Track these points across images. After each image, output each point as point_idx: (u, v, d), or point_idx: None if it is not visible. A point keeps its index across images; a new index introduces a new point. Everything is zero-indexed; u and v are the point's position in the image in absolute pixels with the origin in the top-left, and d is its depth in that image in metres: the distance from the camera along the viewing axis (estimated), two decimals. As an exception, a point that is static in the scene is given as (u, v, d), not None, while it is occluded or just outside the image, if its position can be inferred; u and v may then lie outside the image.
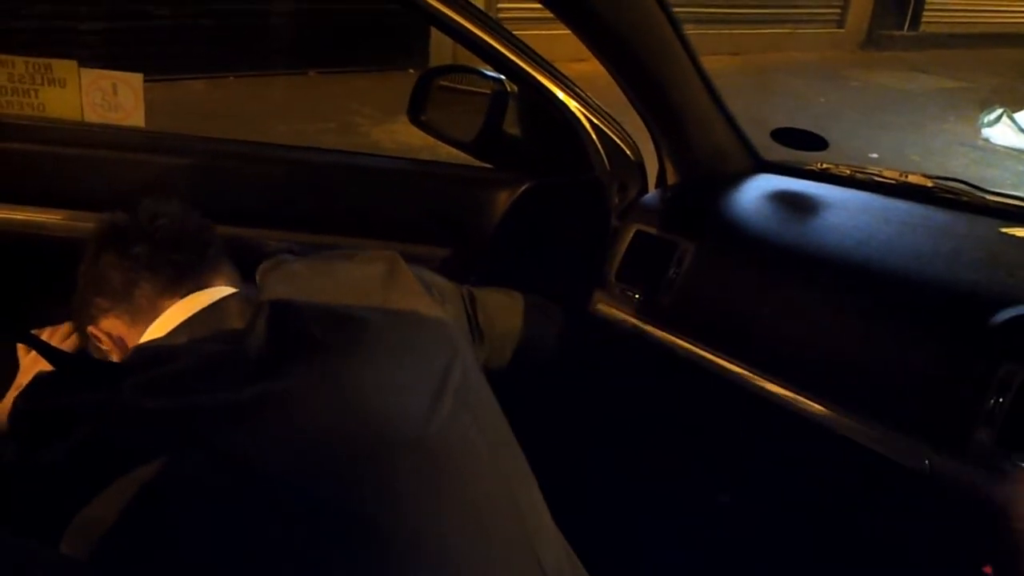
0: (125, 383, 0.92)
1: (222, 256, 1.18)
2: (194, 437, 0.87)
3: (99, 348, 1.14)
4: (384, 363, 1.01)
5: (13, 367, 1.27)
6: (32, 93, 1.57)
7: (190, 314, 1.05)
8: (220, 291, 1.10)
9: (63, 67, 1.55)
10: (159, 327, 1.06)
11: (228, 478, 0.85)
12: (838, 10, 11.88)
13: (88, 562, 0.80)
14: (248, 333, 0.99)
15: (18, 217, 1.61)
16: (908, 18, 12.52)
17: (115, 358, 1.12)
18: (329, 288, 1.10)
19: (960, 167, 6.14)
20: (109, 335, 1.11)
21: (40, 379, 1.05)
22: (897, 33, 12.34)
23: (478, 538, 0.93)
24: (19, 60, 1.54)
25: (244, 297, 1.08)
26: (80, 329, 1.18)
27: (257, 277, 1.13)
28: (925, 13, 12.64)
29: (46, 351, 1.14)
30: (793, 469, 1.35)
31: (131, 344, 1.09)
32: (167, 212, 1.16)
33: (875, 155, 6.19)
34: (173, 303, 1.08)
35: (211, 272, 1.14)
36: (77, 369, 1.09)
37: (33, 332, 1.28)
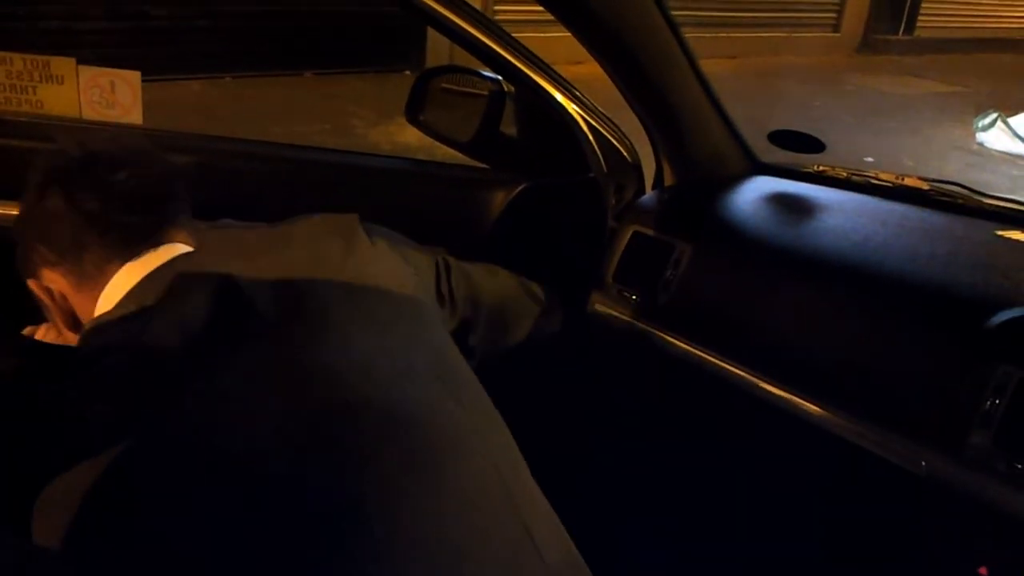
0: (78, 377, 0.92)
1: (182, 209, 1.10)
2: (149, 426, 0.86)
3: (43, 305, 1.07)
4: (346, 340, 0.97)
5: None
6: (30, 90, 1.56)
7: (140, 278, 0.99)
8: (172, 250, 1.03)
9: (61, 64, 1.55)
10: (110, 295, 1.00)
11: (186, 467, 0.84)
12: (834, 14, 11.91)
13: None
14: (189, 306, 0.95)
15: (16, 213, 1.60)
16: (903, 23, 12.56)
17: (57, 320, 1.07)
18: (282, 260, 1.04)
19: (956, 171, 6.15)
20: (50, 291, 1.04)
21: None
22: (892, 37, 12.37)
23: (473, 532, 0.91)
24: (17, 57, 1.54)
25: (196, 260, 1.02)
26: (22, 278, 1.08)
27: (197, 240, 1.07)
28: (920, 18, 12.68)
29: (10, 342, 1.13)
30: (789, 470, 1.35)
31: (75, 306, 1.04)
32: (128, 162, 1.06)
33: (871, 159, 6.21)
34: (123, 266, 1.01)
35: (168, 228, 1.06)
36: (36, 359, 1.07)
37: (30, 328, 1.28)
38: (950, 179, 1.57)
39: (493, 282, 1.44)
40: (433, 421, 0.96)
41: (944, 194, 1.53)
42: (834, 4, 11.85)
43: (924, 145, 7.13)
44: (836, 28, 12.02)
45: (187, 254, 1.04)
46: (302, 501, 0.84)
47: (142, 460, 0.83)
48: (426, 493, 0.89)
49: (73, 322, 1.06)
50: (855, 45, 12.12)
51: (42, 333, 1.27)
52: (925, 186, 1.56)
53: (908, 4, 12.46)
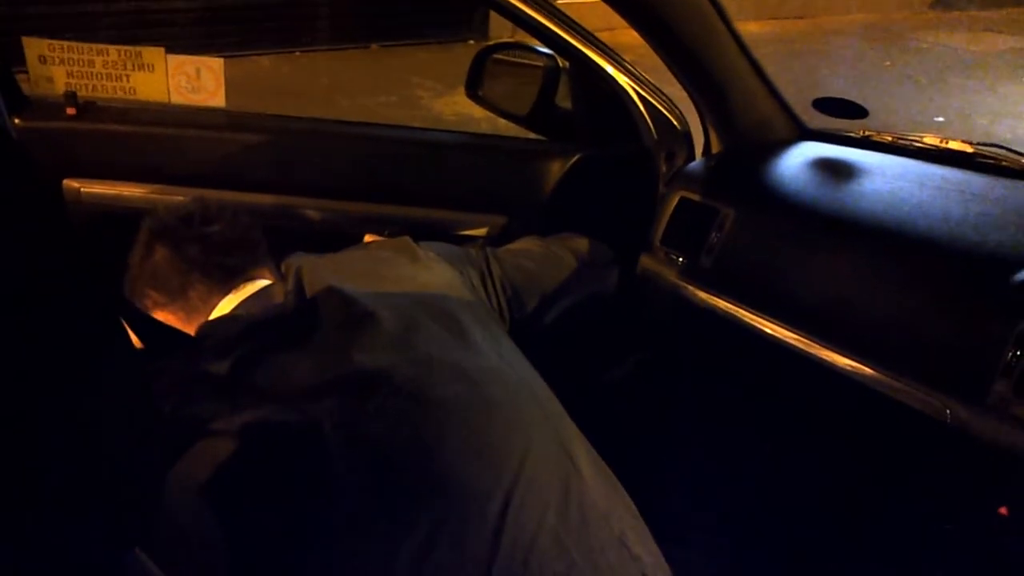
0: (198, 349, 1.10)
1: (266, 253, 1.33)
2: (254, 387, 1.03)
3: None
4: (418, 328, 1.15)
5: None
6: (124, 78, 1.70)
7: (241, 300, 1.22)
8: (264, 282, 1.27)
9: (152, 54, 1.68)
10: (218, 313, 1.22)
11: (291, 417, 1.00)
12: (907, -31, 11.55)
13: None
14: (285, 303, 1.18)
15: (110, 192, 1.75)
16: (981, -24, 12.11)
17: None
18: (345, 274, 1.24)
19: (1031, 129, 5.97)
20: None
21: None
22: (969, -9, 11.94)
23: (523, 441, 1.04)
24: (112, 48, 1.67)
25: (283, 284, 1.24)
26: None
27: (283, 267, 1.29)
28: (999, -30, 12.20)
29: (134, 324, 1.29)
30: (824, 420, 1.42)
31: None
32: (219, 217, 1.30)
33: (940, 119, 6.06)
34: (225, 298, 1.24)
35: (256, 268, 1.30)
36: (160, 339, 1.25)
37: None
38: (997, 142, 1.60)
39: (540, 260, 1.57)
40: (494, 379, 1.11)
41: (987, 156, 1.56)
42: (907, -42, 11.49)
43: (999, 103, 6.91)
44: (909, -16, 11.65)
45: (275, 283, 1.27)
46: (362, 444, 1.00)
47: (247, 426, 0.99)
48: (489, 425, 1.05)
49: None
50: (929, 1, 11.74)
51: None
52: (969, 149, 1.59)
53: (986, -44, 11.99)
